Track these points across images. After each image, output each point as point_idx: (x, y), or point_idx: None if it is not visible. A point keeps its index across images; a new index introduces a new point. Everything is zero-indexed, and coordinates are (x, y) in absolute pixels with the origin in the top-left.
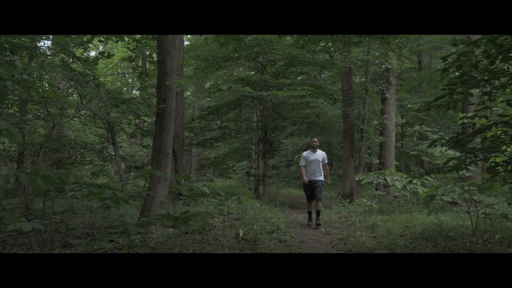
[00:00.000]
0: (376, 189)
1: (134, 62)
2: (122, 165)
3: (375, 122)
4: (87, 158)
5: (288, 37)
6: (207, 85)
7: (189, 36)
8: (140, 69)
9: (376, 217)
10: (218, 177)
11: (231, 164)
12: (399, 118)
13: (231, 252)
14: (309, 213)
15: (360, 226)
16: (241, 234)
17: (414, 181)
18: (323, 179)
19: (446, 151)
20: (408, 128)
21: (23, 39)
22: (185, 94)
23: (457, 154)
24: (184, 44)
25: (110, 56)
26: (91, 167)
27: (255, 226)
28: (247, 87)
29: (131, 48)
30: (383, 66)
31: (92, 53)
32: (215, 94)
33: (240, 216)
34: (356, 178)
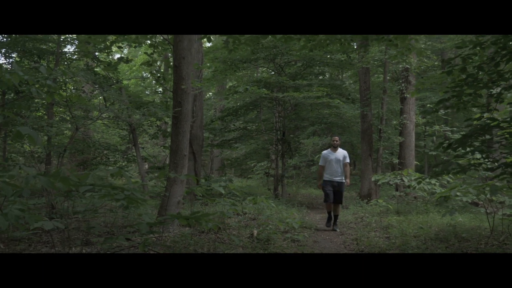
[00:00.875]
0: (396, 190)
1: (152, 67)
2: (146, 166)
3: (395, 122)
4: (111, 159)
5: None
6: (228, 85)
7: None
8: (158, 73)
9: (392, 217)
10: (239, 177)
11: (252, 164)
12: (420, 118)
13: (244, 251)
14: (329, 213)
15: (376, 227)
16: (255, 234)
17: (433, 182)
18: (344, 180)
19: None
20: (427, 128)
21: (50, 44)
22: (207, 95)
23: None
24: (202, 47)
25: (129, 61)
26: (114, 167)
27: (270, 225)
28: (264, 89)
29: (149, 53)
30: (400, 66)
31: (118, 55)
32: (232, 96)
33: (256, 216)
34: (373, 179)
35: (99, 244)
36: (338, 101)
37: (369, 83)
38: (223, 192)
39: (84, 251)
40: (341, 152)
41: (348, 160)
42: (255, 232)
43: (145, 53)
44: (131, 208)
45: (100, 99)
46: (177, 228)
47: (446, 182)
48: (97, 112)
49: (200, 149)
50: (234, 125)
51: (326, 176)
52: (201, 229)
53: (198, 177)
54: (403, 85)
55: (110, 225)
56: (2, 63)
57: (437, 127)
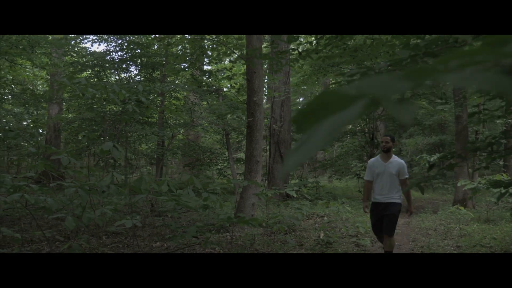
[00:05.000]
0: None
1: (232, 80)
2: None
3: (499, 121)
4: (214, 161)
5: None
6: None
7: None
8: (236, 86)
9: (472, 226)
10: (338, 179)
11: (352, 165)
12: None
13: (304, 252)
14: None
15: (456, 235)
16: (321, 236)
17: None
18: (399, 201)
19: None
20: None
21: (159, 58)
22: (316, 91)
23: None
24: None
25: (211, 76)
26: (217, 168)
27: (342, 229)
28: None
29: (228, 67)
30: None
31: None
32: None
33: (332, 219)
34: (459, 184)
35: (170, 240)
36: (424, 102)
37: None
38: (294, 195)
39: (165, 245)
40: (396, 163)
41: (406, 175)
42: (322, 234)
43: (225, 68)
44: (211, 207)
45: (200, 106)
46: (251, 228)
47: None
48: (203, 120)
49: None
50: None
51: (374, 195)
52: (273, 230)
53: (286, 179)
54: None
55: (199, 221)
56: (123, 76)
57: None
